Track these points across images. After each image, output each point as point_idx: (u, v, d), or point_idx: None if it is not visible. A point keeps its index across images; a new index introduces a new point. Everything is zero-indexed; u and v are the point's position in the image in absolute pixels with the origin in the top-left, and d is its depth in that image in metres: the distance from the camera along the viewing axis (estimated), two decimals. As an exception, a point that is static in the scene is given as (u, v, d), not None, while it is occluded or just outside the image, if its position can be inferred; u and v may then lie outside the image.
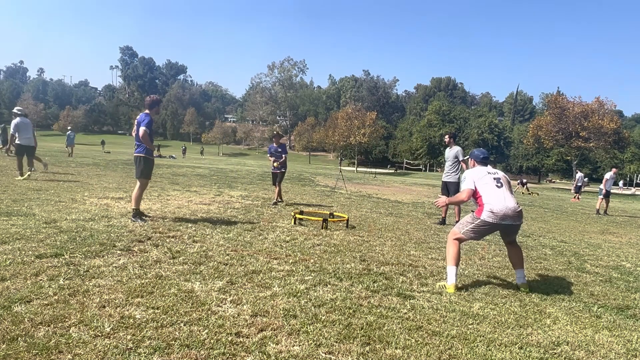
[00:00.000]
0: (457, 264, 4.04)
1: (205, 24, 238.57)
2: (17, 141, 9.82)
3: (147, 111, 6.06)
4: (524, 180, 29.15)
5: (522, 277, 4.23)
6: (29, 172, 10.08)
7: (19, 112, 10.06)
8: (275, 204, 8.92)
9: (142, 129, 5.86)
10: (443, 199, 4.37)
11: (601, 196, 14.52)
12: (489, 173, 4.25)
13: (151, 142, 6.07)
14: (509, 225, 4.07)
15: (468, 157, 4.66)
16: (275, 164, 9.24)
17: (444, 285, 3.97)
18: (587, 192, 32.41)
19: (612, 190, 15.58)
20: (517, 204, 4.08)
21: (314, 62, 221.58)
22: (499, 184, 4.15)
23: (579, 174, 24.49)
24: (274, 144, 9.50)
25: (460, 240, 4.15)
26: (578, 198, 22.61)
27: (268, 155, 9.58)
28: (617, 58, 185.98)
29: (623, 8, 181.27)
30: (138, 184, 6.02)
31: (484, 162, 4.45)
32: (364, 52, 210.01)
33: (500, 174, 4.31)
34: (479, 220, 4.04)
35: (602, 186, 14.70)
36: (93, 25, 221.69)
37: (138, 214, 5.92)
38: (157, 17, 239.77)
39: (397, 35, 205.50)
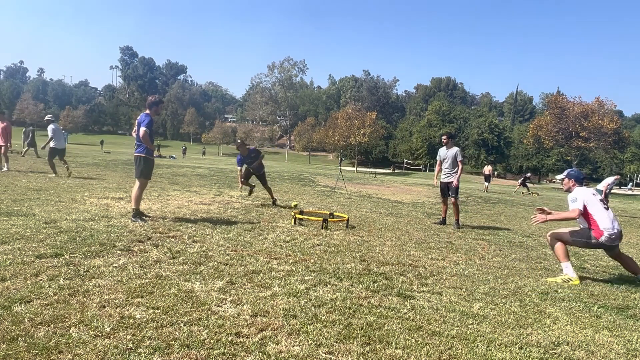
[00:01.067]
0: (569, 259, 4.60)
1: (205, 24, 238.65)
2: (51, 145, 10.63)
3: (147, 111, 6.08)
4: (528, 175, 29.01)
5: None
6: (69, 171, 11.05)
7: (52, 119, 11.07)
8: (274, 203, 8.93)
9: (142, 129, 5.88)
10: (542, 216, 4.64)
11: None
12: (593, 195, 4.65)
13: (151, 142, 6.08)
14: (616, 245, 4.65)
15: (565, 177, 4.91)
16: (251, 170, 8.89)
17: (570, 279, 4.44)
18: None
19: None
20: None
21: (314, 62, 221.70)
22: (606, 206, 4.61)
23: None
24: (241, 155, 8.74)
25: (566, 243, 4.63)
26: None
27: (239, 168, 8.94)
28: (617, 58, 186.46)
29: (623, 7, 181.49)
30: (138, 184, 6.02)
31: (581, 182, 4.81)
32: (364, 52, 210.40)
33: (597, 193, 4.74)
34: (596, 241, 4.53)
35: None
36: (93, 25, 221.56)
37: (138, 214, 5.92)
38: (157, 17, 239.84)
39: (397, 35, 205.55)
